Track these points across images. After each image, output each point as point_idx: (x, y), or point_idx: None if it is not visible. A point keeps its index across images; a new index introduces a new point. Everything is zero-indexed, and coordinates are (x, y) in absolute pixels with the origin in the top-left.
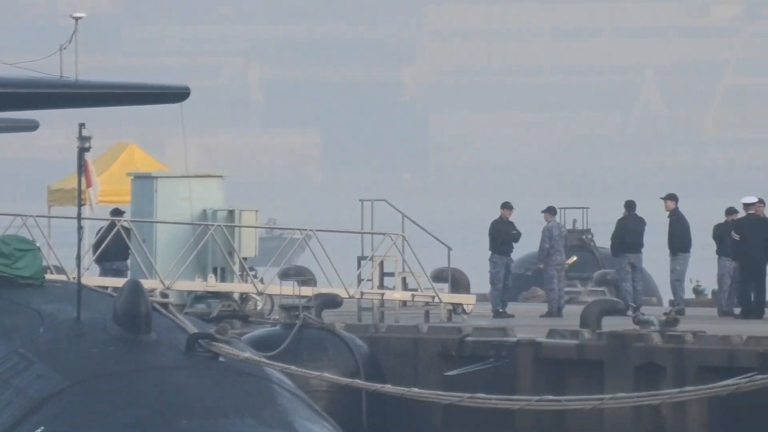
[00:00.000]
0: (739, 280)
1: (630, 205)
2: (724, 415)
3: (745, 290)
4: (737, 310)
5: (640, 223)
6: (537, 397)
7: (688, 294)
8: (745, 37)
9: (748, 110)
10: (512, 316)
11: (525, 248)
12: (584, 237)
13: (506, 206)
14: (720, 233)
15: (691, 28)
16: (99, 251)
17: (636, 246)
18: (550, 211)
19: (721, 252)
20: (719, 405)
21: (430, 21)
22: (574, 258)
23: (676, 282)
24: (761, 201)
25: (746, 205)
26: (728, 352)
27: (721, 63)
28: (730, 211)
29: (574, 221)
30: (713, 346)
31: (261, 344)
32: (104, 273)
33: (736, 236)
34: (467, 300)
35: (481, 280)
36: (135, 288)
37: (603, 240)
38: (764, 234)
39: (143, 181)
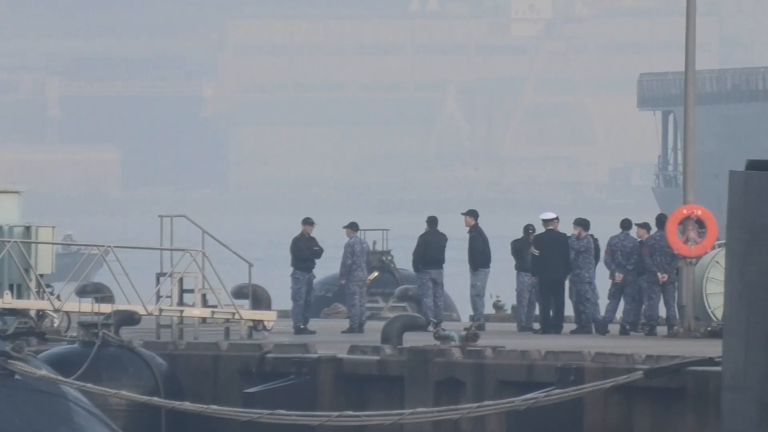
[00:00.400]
0: (538, 296)
1: (432, 221)
2: (522, 429)
3: (544, 305)
4: (536, 325)
5: (442, 238)
6: (337, 413)
7: (488, 309)
8: (544, 56)
9: (547, 127)
10: (314, 332)
11: (327, 263)
12: (384, 258)
13: (307, 222)
14: (518, 249)
15: (492, 46)
16: None
17: (438, 262)
18: (352, 227)
19: (519, 267)
20: (518, 419)
21: (232, 36)
22: (375, 273)
23: (476, 297)
24: (557, 218)
25: (545, 221)
26: (527, 367)
27: (520, 80)
28: (528, 228)
29: (374, 243)
30: (512, 361)
31: (59, 362)
32: None
33: (535, 252)
34: (268, 316)
35: (282, 297)
36: None
37: (403, 259)
38: (563, 249)
39: None
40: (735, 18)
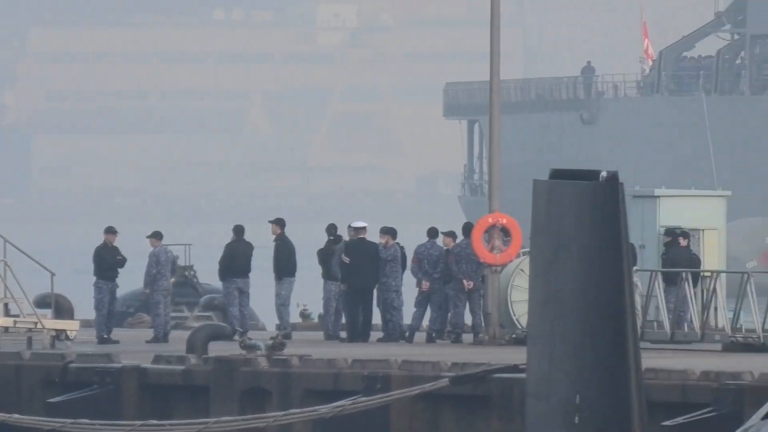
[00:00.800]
0: (345, 304)
1: (238, 230)
2: None
3: (352, 314)
4: (343, 334)
5: (248, 247)
6: (141, 422)
7: (295, 318)
8: (349, 64)
9: (353, 136)
10: (117, 342)
11: (131, 273)
12: (187, 273)
13: (110, 231)
14: (324, 257)
15: (298, 54)
16: None
17: (244, 271)
18: (156, 236)
19: (326, 276)
20: (324, 427)
21: (33, 43)
22: (172, 279)
23: (282, 306)
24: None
25: (356, 230)
26: (334, 375)
27: (327, 89)
28: (331, 228)
29: (177, 257)
30: (319, 370)
31: None
32: None
33: (345, 259)
34: (71, 326)
35: (85, 306)
36: None
37: (208, 269)
38: (373, 258)
39: None
40: (538, 29)
